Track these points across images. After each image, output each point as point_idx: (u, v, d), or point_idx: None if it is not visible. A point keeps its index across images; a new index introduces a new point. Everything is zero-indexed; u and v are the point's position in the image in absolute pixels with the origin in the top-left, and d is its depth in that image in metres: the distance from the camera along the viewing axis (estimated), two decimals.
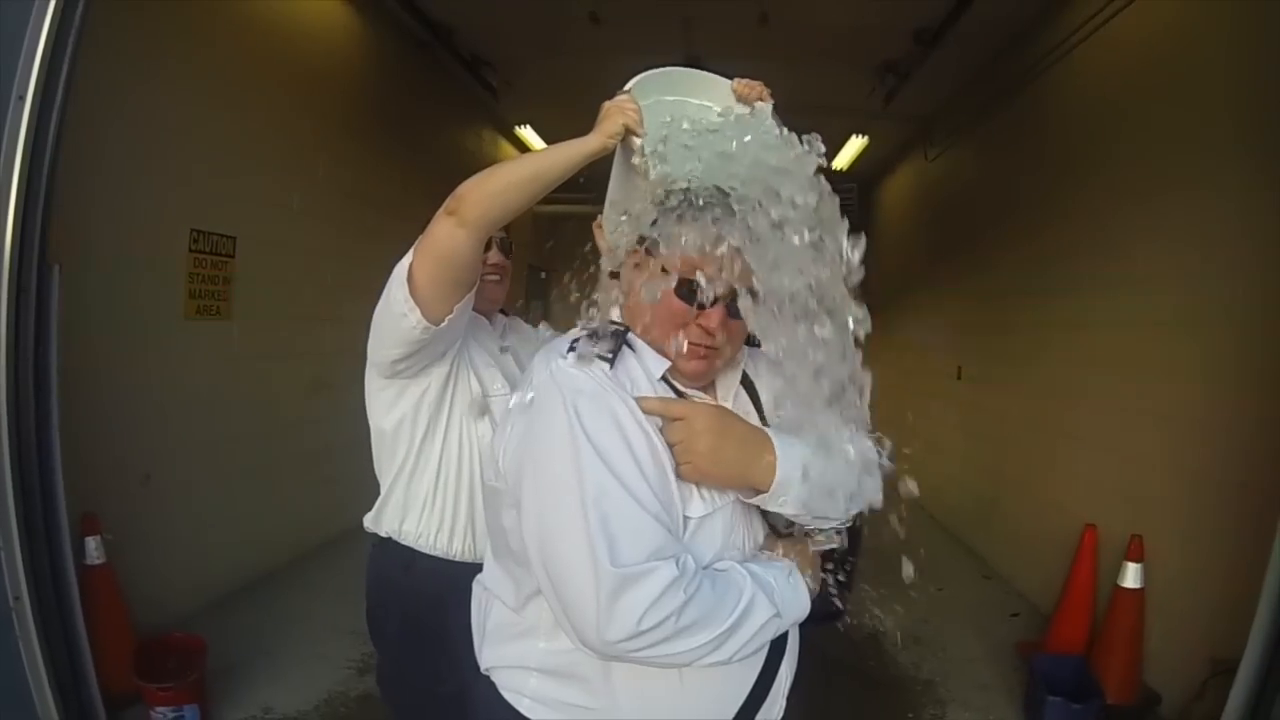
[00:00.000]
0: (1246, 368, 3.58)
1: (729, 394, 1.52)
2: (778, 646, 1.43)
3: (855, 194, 11.68)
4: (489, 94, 8.25)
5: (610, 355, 1.36)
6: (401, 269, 1.85)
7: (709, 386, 1.51)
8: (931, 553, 6.55)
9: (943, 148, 8.42)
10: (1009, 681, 4.24)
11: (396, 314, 1.87)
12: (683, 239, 1.35)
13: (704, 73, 1.70)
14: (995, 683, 4.24)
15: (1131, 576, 3.94)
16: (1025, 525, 5.75)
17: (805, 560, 1.41)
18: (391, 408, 2.10)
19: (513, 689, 1.41)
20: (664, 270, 1.38)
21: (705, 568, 1.28)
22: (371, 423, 2.15)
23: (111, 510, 3.69)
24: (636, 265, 1.45)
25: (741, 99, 1.67)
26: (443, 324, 1.89)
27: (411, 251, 1.85)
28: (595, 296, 1.55)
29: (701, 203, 1.36)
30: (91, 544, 3.54)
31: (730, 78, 1.72)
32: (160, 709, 3.38)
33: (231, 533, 4.70)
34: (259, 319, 5.01)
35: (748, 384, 1.57)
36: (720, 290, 1.35)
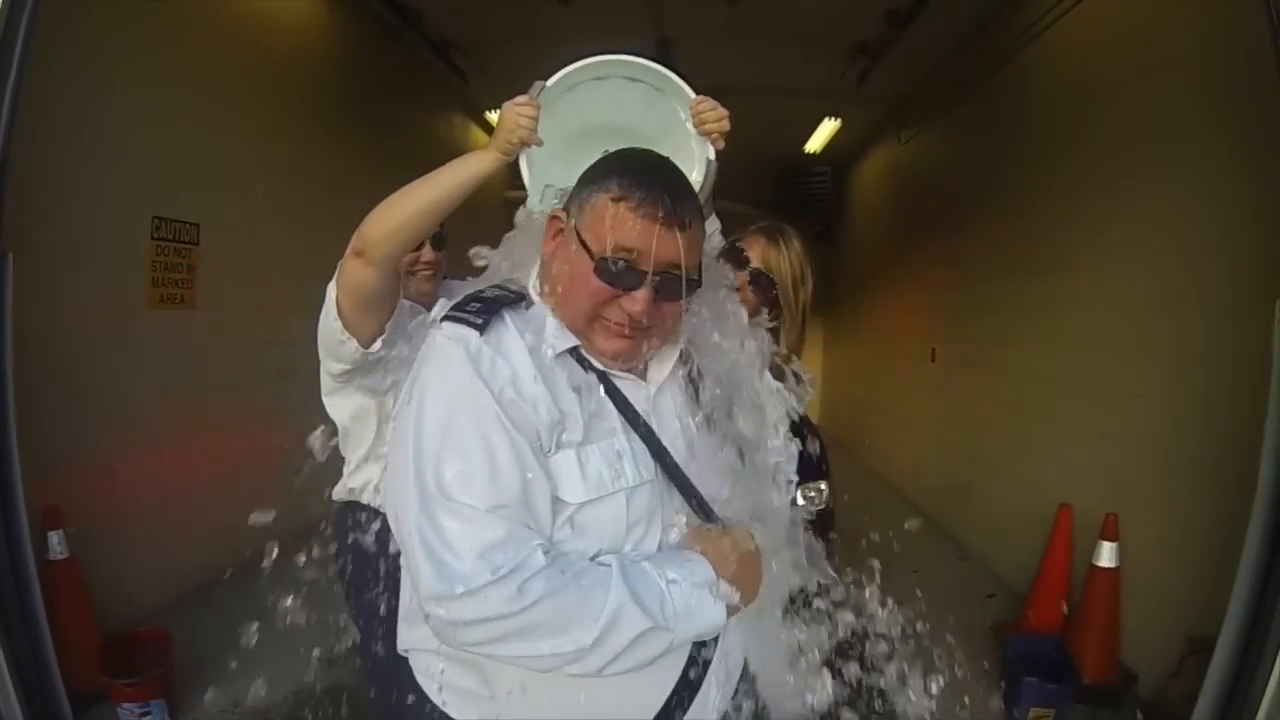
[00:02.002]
0: (1219, 346, 3.57)
1: (660, 378, 1.42)
2: (703, 650, 1.32)
3: (828, 178, 11.67)
4: (459, 78, 8.17)
5: (480, 323, 1.25)
6: (330, 303, 1.91)
7: (637, 369, 1.40)
8: (907, 534, 6.56)
9: (916, 130, 8.42)
10: (986, 663, 4.24)
11: (335, 341, 1.94)
12: (608, 216, 1.27)
13: (650, 65, 1.68)
14: (972, 665, 4.24)
15: (1107, 555, 3.95)
16: (1001, 506, 5.76)
17: (726, 563, 1.27)
18: (346, 405, 2.16)
19: (425, 672, 1.38)
20: (584, 245, 1.28)
21: (594, 558, 1.22)
22: (332, 416, 2.18)
23: (75, 504, 3.61)
24: (557, 233, 1.36)
25: (697, 120, 1.64)
26: (377, 344, 1.94)
27: (333, 286, 1.90)
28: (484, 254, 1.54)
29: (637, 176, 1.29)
30: (54, 538, 3.47)
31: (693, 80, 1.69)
32: (127, 705, 3.32)
33: (198, 525, 4.58)
34: (224, 308, 4.91)
35: (692, 378, 1.48)
36: (649, 270, 1.26)
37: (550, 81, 1.66)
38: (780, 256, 2.31)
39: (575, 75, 1.66)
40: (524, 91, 1.63)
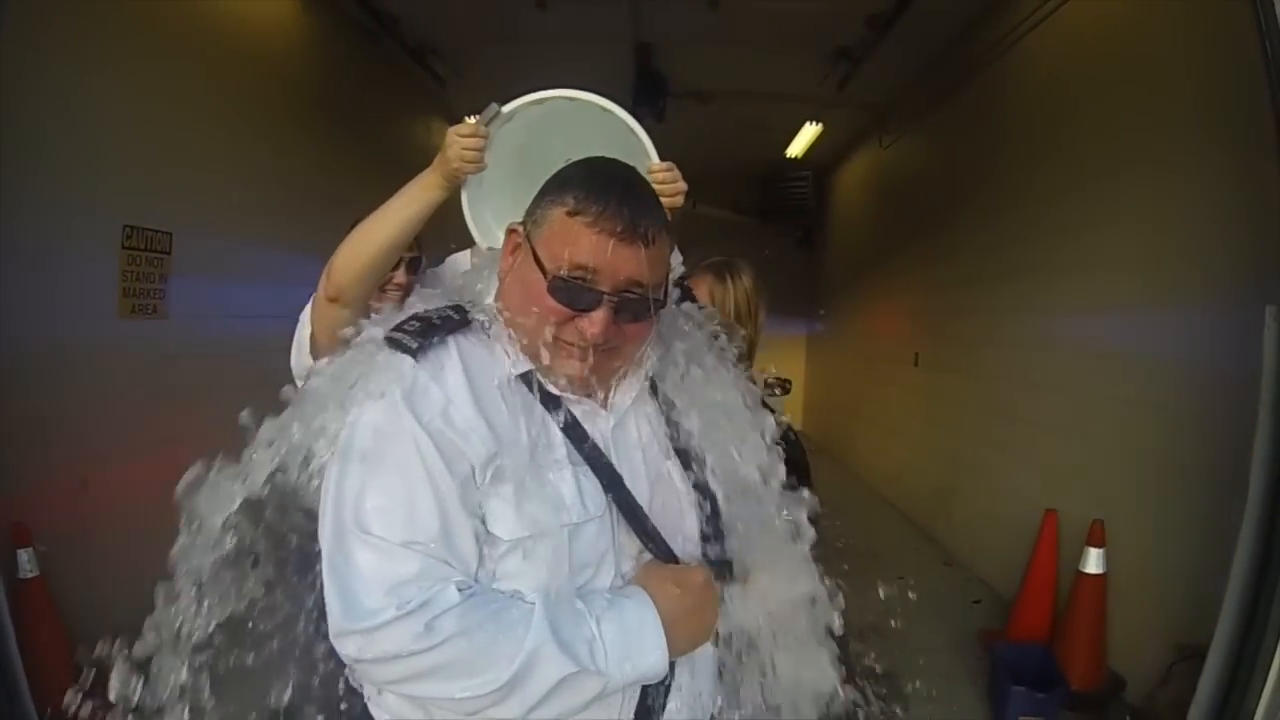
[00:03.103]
0: (1205, 348, 3.56)
1: (624, 405, 1.32)
2: (653, 695, 1.24)
3: (809, 183, 11.67)
4: (437, 83, 8.09)
5: (415, 347, 1.17)
6: (304, 343, 1.98)
7: (599, 396, 1.31)
8: (891, 540, 6.57)
9: (897, 134, 8.41)
10: (972, 671, 4.21)
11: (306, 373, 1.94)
12: (563, 231, 1.19)
13: (613, 110, 1.60)
14: (958, 673, 4.21)
15: (1093, 562, 3.92)
16: (985, 511, 5.75)
17: (672, 602, 1.18)
18: None
19: (375, 702, 1.29)
20: (539, 262, 1.20)
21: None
22: None
23: (45, 520, 3.52)
24: (515, 248, 1.28)
25: (655, 181, 1.55)
26: None
27: (307, 324, 1.96)
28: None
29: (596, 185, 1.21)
30: (24, 556, 3.37)
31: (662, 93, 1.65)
32: None
33: (174, 538, 4.50)
34: (198, 317, 4.81)
35: (664, 405, 1.40)
36: (607, 289, 1.17)
37: (507, 108, 1.61)
38: (727, 293, 2.33)
39: (531, 107, 1.61)
40: (500, 98, 1.59)
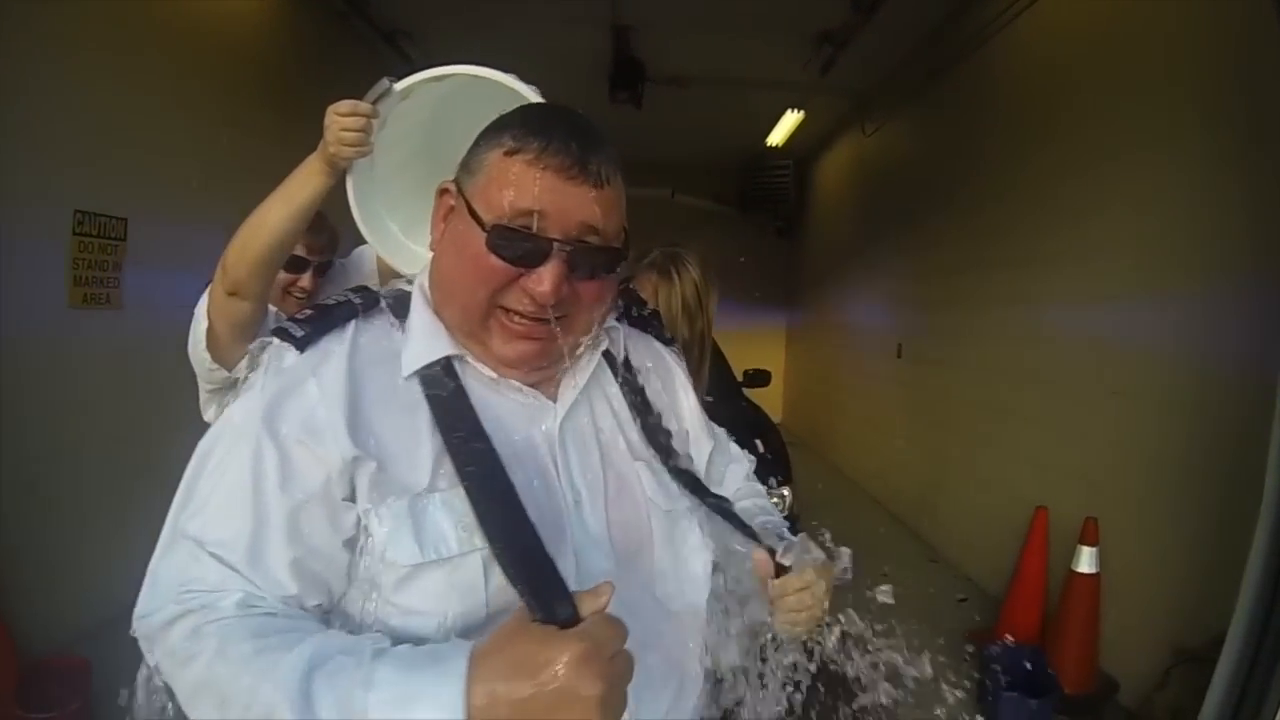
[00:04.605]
0: (1202, 341, 3.48)
1: (571, 396, 1.12)
2: None
3: (790, 171, 11.56)
4: (409, 67, 7.88)
5: (299, 336, 1.01)
6: (200, 333, 1.91)
7: (548, 382, 1.12)
8: (874, 536, 6.47)
9: (881, 122, 8.31)
10: (960, 672, 4.08)
11: (205, 368, 1.97)
12: (501, 174, 1.00)
13: (518, 87, 1.39)
14: (945, 674, 4.08)
15: (1086, 561, 3.81)
16: (972, 508, 5.65)
17: (506, 681, 0.77)
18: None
19: None
20: (474, 216, 1.00)
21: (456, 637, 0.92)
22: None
23: None
24: (447, 211, 1.08)
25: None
26: (241, 366, 1.88)
27: (203, 318, 1.90)
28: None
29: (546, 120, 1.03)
30: None
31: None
32: None
33: (128, 542, 4.31)
34: (154, 307, 4.60)
35: (631, 384, 1.21)
36: (557, 235, 0.98)
37: (400, 85, 1.45)
38: (672, 289, 2.22)
39: (429, 84, 1.44)
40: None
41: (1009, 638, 3.79)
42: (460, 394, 1.03)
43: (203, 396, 2.12)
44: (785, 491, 4.04)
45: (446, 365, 1.04)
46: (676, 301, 2.19)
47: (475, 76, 1.39)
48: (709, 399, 2.62)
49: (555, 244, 0.98)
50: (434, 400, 1.02)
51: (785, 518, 1.29)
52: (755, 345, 10.98)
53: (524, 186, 0.98)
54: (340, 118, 1.47)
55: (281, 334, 1.02)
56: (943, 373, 6.50)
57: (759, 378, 5.87)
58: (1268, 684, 2.20)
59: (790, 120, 9.51)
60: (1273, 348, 2.78)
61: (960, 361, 6.13)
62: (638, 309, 1.34)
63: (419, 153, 1.50)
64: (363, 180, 1.51)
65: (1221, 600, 2.57)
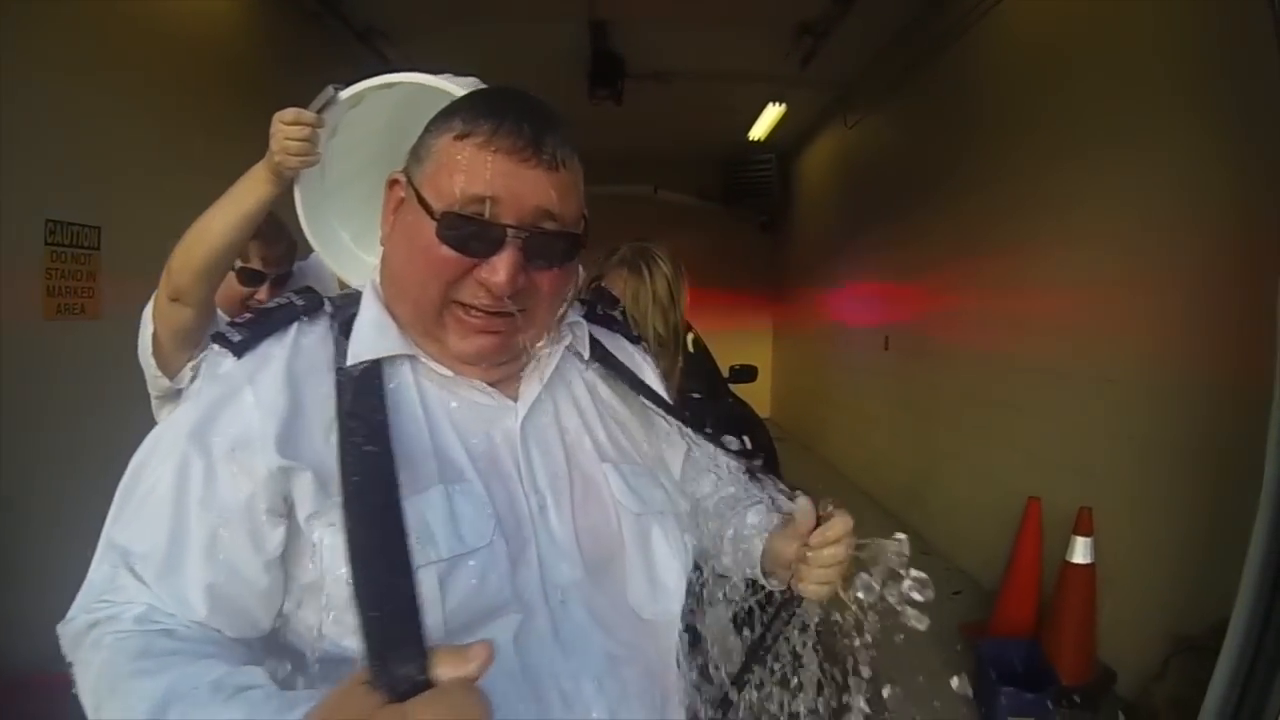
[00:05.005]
0: (1195, 326, 3.44)
1: (533, 393, 1.06)
2: None
3: (773, 166, 11.54)
4: (384, 67, 7.79)
5: (235, 341, 0.96)
6: (146, 340, 1.92)
7: (509, 381, 1.06)
8: (864, 530, 6.41)
9: (863, 114, 8.28)
10: (954, 667, 4.04)
11: (151, 374, 1.97)
12: (451, 159, 0.95)
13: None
14: (940, 669, 4.03)
15: (1080, 551, 3.76)
16: (963, 499, 5.61)
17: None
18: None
19: None
20: (424, 205, 0.95)
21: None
22: None
23: None
24: (397, 203, 1.03)
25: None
26: (185, 373, 1.89)
27: (149, 324, 1.90)
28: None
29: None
30: None
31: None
32: None
33: None
34: (130, 316, 4.54)
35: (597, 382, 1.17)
36: (512, 221, 0.94)
37: (346, 92, 1.41)
38: (644, 286, 2.20)
39: (378, 91, 1.40)
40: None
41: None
42: (372, 390, 0.95)
43: (154, 403, 2.10)
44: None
45: (388, 364, 0.99)
46: (648, 297, 2.17)
47: (424, 86, 1.34)
48: (695, 396, 2.56)
49: (509, 231, 0.94)
50: (341, 393, 0.94)
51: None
52: (742, 341, 10.97)
53: (475, 171, 0.93)
54: (285, 126, 1.44)
55: (219, 339, 0.98)
56: (931, 364, 6.47)
57: (745, 373, 5.83)
58: (1271, 676, 2.16)
59: (772, 114, 9.44)
60: (1264, 335, 2.74)
61: (948, 352, 6.09)
62: (603, 307, 1.29)
63: (376, 160, 1.43)
64: (313, 189, 1.46)
65: (1219, 588, 2.54)
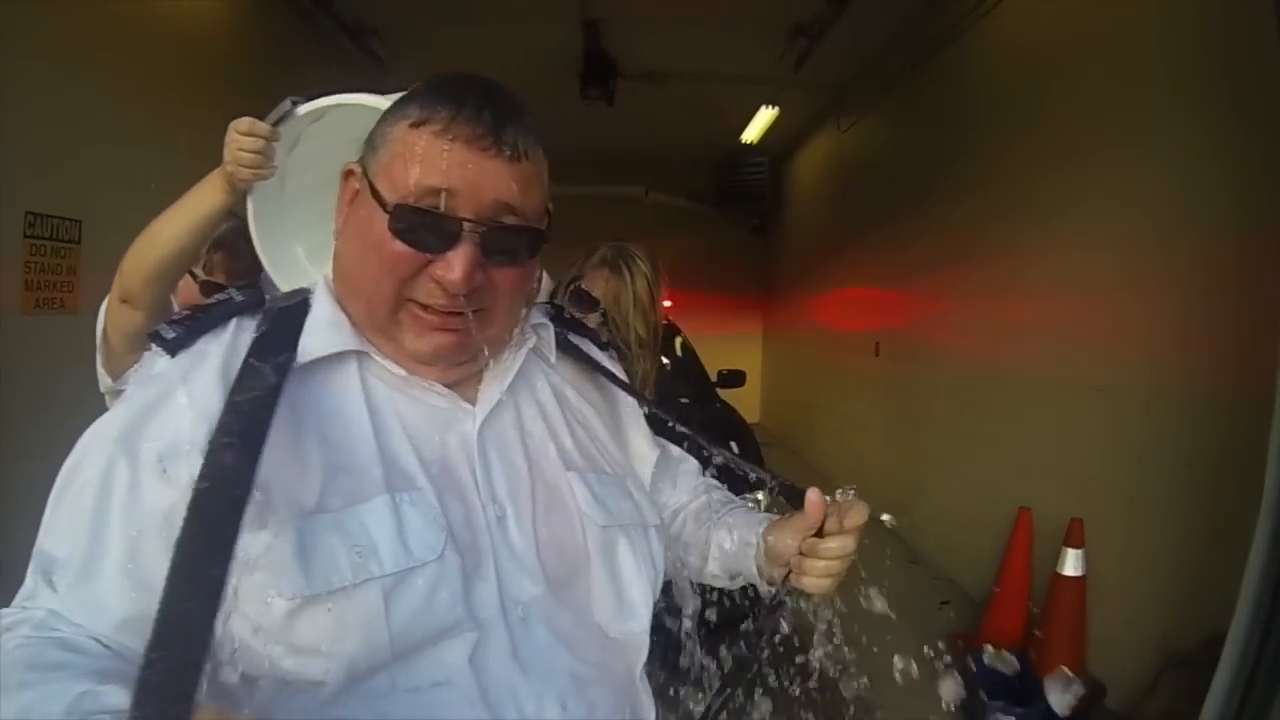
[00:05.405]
0: (1191, 333, 3.39)
1: (493, 397, 1.01)
2: None
3: (765, 169, 11.51)
4: (376, 66, 7.77)
5: (170, 339, 0.91)
6: (100, 341, 1.89)
7: (468, 383, 1.01)
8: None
9: (856, 117, 8.26)
10: (941, 677, 4.00)
11: (106, 384, 1.93)
12: (406, 149, 0.89)
13: None
14: (928, 681, 3.99)
15: (1071, 563, 3.72)
16: (953, 508, 5.56)
17: None
18: None
19: None
20: (378, 197, 0.90)
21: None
22: None
23: None
24: (352, 196, 0.97)
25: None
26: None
27: (102, 321, 1.88)
28: None
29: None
30: None
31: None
32: None
33: None
34: None
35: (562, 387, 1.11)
36: (469, 215, 0.88)
37: (304, 108, 1.36)
38: (625, 286, 2.16)
39: (334, 107, 1.35)
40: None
41: (989, 648, 3.73)
42: (266, 386, 0.86)
43: (108, 401, 2.03)
44: (759, 495, 3.96)
45: (334, 363, 0.94)
46: (629, 298, 2.13)
47: (377, 109, 1.29)
48: (683, 400, 2.52)
49: (466, 225, 0.88)
50: (238, 384, 0.86)
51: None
52: (731, 345, 10.92)
53: (430, 160, 0.87)
54: (239, 136, 1.41)
55: (154, 338, 0.92)
56: (921, 370, 6.43)
57: (733, 378, 5.80)
58: (1271, 689, 2.11)
59: (765, 116, 9.44)
60: (1261, 342, 2.70)
61: (939, 359, 6.06)
62: (580, 309, 1.25)
63: (340, 175, 1.39)
64: (269, 201, 1.42)
65: (1212, 602, 2.50)
